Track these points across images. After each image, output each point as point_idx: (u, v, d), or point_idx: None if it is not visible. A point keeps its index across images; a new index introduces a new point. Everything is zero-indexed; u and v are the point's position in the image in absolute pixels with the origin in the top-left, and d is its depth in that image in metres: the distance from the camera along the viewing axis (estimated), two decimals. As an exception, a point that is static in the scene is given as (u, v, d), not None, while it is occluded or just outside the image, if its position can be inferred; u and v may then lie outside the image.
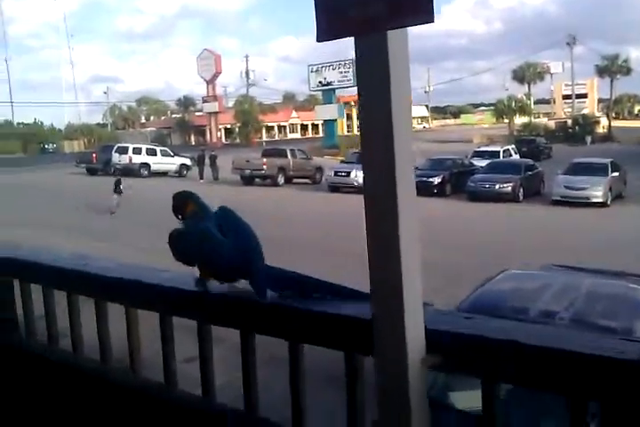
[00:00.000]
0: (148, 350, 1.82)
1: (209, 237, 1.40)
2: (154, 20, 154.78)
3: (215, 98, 60.58)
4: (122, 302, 1.72)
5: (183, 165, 31.37)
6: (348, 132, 61.02)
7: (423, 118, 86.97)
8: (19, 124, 73.63)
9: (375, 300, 1.06)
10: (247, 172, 25.34)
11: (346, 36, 0.94)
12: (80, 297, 1.87)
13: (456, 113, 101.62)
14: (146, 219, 13.86)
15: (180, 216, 1.51)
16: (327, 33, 0.94)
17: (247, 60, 66.35)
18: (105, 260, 1.82)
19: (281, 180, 25.32)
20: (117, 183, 16.89)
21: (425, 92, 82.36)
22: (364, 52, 0.98)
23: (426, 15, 0.86)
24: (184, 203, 1.51)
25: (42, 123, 73.61)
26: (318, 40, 0.96)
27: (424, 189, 20.30)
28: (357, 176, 21.99)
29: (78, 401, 1.75)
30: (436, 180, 21.04)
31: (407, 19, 0.87)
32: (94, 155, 32.03)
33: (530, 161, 23.69)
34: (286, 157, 25.94)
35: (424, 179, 20.61)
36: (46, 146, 64.77)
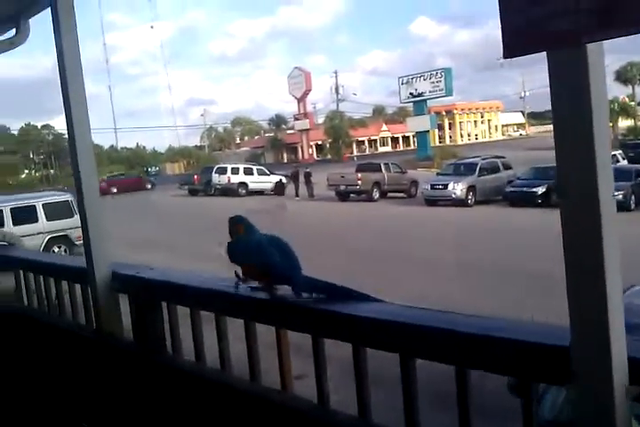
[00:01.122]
0: (296, 369, 1.83)
1: (265, 244, 1.72)
2: (244, 43, 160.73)
3: (306, 115, 61.74)
4: (271, 324, 1.74)
5: (279, 183, 32.11)
6: (439, 142, 60.10)
7: (519, 125, 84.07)
8: (122, 148, 78.41)
9: (576, 325, 0.99)
10: (342, 187, 25.49)
11: (538, 51, 0.89)
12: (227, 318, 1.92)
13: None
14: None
15: (234, 236, 1.77)
16: (516, 48, 0.90)
17: (336, 76, 67.19)
18: (253, 284, 1.85)
19: (376, 194, 25.24)
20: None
21: (520, 97, 79.59)
22: (559, 65, 0.93)
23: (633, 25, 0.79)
24: (237, 225, 1.77)
25: (144, 147, 78.00)
26: (505, 57, 0.91)
27: (526, 200, 19.58)
28: (455, 188, 21.54)
29: (229, 419, 1.78)
30: (540, 190, 20.14)
31: (611, 31, 0.81)
32: (196, 176, 33.53)
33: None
34: (381, 171, 25.84)
35: (526, 189, 19.86)
36: (149, 169, 68.56)
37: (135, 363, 2.15)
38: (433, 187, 22.41)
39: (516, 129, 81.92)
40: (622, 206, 18.46)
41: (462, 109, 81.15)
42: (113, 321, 2.21)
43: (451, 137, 78.79)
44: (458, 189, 21.64)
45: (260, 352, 1.85)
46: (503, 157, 25.39)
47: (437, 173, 26.17)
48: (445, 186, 21.82)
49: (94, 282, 2.16)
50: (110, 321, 2.20)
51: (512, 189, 21.24)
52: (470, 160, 24.76)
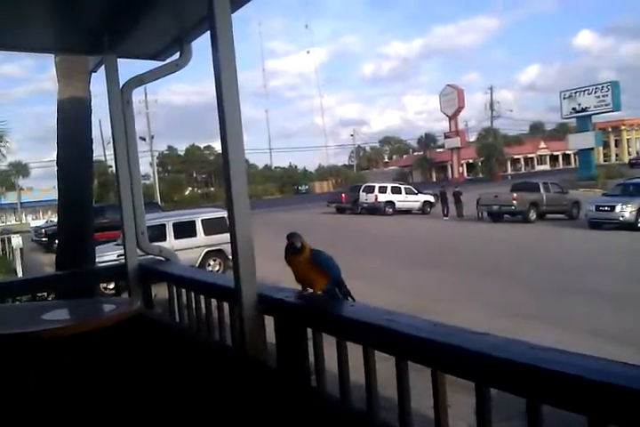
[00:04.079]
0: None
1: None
2: (396, 63, 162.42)
3: (457, 133, 60.56)
4: (429, 365, 1.52)
5: (426, 202, 31.60)
6: (605, 161, 55.67)
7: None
8: (276, 168, 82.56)
9: None
10: (495, 208, 24.36)
11: None
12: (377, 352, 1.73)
13: None
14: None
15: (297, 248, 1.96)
16: None
17: (491, 92, 65.10)
18: (411, 317, 1.64)
19: (533, 215, 23.75)
20: None
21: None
22: None
23: None
24: (300, 239, 1.97)
25: (296, 166, 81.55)
26: None
27: None
28: (624, 211, 19.63)
29: None
30: None
31: None
32: (343, 195, 34.13)
33: None
34: (539, 191, 24.28)
35: None
36: (300, 187, 71.32)
37: (277, 393, 2.04)
38: (598, 208, 20.54)
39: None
40: None
41: (631, 125, 74.76)
42: (257, 344, 2.12)
43: (617, 155, 72.81)
44: (627, 211, 19.68)
45: (414, 396, 1.63)
46: (678, 177, 22.69)
47: (603, 194, 24.10)
48: (613, 208, 19.96)
49: (241, 302, 2.09)
50: (255, 344, 2.12)
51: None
52: (641, 180, 22.42)
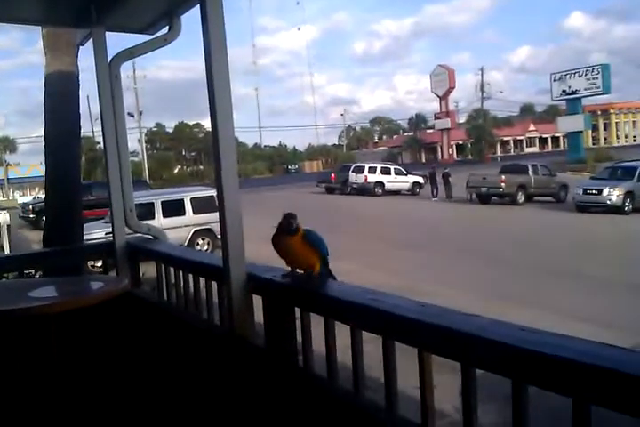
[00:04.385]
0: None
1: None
2: (388, 42, 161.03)
3: (447, 114, 60.41)
4: (416, 345, 1.52)
5: (416, 184, 31.64)
6: (593, 144, 55.89)
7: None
8: (266, 146, 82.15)
9: None
10: (483, 189, 24.42)
11: None
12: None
13: None
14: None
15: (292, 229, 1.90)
16: None
17: (482, 73, 64.78)
18: (399, 298, 1.65)
19: (521, 198, 23.85)
20: None
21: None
22: None
23: None
24: (295, 219, 1.90)
25: (285, 145, 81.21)
26: None
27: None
28: (611, 194, 19.77)
29: None
30: None
31: None
32: (333, 175, 34.06)
33: None
34: (527, 173, 24.35)
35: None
36: (289, 167, 71.08)
37: (264, 372, 2.05)
38: (586, 192, 20.66)
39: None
40: None
41: (620, 109, 75.03)
42: (246, 323, 2.13)
43: (606, 138, 73.15)
44: (614, 194, 19.81)
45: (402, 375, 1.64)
46: (667, 161, 22.81)
47: (591, 177, 24.23)
48: (600, 191, 20.07)
49: (229, 281, 2.09)
50: (243, 323, 2.12)
51: (677, 196, 19.13)
52: (629, 164, 22.51)
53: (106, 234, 10.03)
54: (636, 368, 1.00)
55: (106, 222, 12.08)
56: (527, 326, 1.32)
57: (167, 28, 2.97)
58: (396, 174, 31.78)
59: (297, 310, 1.98)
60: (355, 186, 31.57)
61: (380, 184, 31.10)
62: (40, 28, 5.60)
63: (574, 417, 1.13)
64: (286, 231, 1.91)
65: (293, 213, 1.91)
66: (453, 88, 59.71)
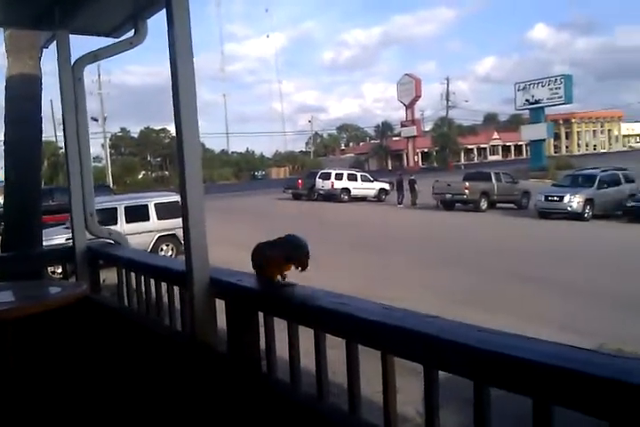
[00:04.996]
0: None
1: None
2: (356, 51, 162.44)
3: (413, 122, 61.09)
4: (379, 348, 1.53)
5: (382, 190, 31.88)
6: (555, 153, 57.21)
7: (644, 135, 78.57)
8: (233, 152, 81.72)
9: None
10: (448, 196, 24.77)
11: None
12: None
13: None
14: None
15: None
16: None
17: (448, 82, 65.82)
18: (363, 301, 1.65)
19: (484, 204, 24.27)
20: None
21: (644, 105, 74.34)
22: None
23: None
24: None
25: (253, 152, 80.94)
26: None
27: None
28: (571, 201, 20.29)
29: None
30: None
31: None
32: (299, 181, 34.05)
33: None
34: (490, 180, 24.80)
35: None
36: (256, 173, 70.86)
37: (226, 379, 2.02)
38: (547, 198, 21.15)
39: (638, 140, 76.29)
40: None
41: (581, 118, 77.11)
42: (207, 329, 2.10)
43: (567, 147, 75.01)
44: (574, 201, 20.33)
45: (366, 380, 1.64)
46: (625, 169, 23.53)
47: (553, 184, 24.83)
48: (561, 198, 20.57)
49: (192, 285, 2.06)
50: (205, 328, 2.09)
51: (634, 203, 19.71)
52: (589, 171, 23.17)
53: (67, 240, 9.80)
54: (595, 369, 1.03)
55: (67, 228, 11.80)
56: (488, 328, 1.33)
57: (133, 31, 2.94)
58: (362, 181, 31.97)
59: (261, 315, 1.97)
60: (321, 192, 31.62)
61: (347, 190, 31.24)
62: (2, 29, 5.48)
63: (534, 418, 1.14)
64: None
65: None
66: (419, 97, 60.48)
